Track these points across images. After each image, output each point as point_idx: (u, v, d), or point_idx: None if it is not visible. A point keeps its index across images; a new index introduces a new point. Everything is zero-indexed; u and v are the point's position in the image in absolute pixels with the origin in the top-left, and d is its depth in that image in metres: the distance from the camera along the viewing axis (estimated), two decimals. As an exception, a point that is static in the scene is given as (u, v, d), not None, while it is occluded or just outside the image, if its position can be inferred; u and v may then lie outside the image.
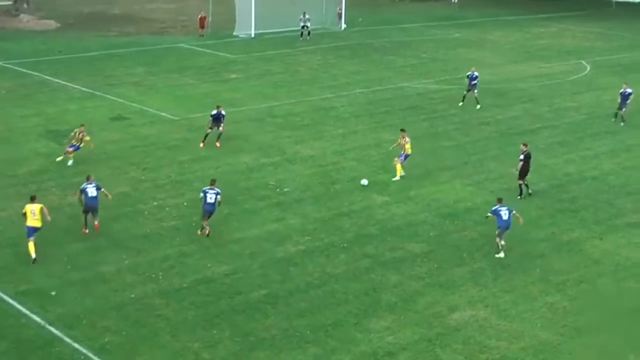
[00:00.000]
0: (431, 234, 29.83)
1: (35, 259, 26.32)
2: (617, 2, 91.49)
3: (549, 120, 44.45)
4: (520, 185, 33.31)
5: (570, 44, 68.48)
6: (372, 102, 47.11)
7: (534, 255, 28.33)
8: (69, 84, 48.82)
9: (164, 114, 43.21)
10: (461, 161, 37.51)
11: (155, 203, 31.63)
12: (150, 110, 43.81)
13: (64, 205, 30.80)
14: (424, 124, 43.06)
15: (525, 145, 33.68)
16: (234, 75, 52.79)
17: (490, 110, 45.77)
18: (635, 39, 71.40)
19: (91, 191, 28.39)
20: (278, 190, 33.40)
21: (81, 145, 35.00)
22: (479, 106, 45.80)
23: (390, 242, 29.02)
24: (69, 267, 26.32)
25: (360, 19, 74.32)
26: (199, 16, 66.41)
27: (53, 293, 24.70)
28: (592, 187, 34.95)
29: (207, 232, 28.76)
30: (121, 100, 45.45)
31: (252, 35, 65.34)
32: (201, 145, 37.97)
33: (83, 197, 28.49)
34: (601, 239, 29.85)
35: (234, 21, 67.04)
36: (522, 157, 33.25)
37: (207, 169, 35.13)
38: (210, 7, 68.97)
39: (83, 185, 28.63)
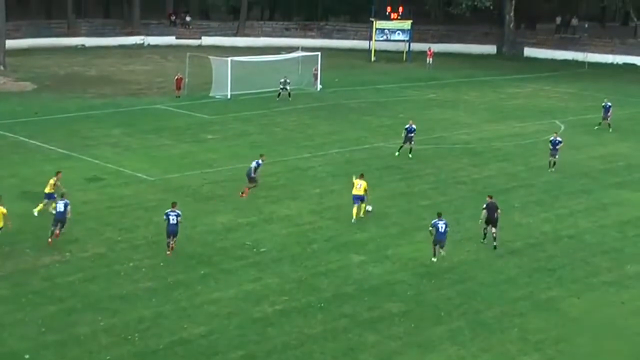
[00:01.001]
0: (409, 293, 29.75)
1: None
2: (589, 63, 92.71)
3: (525, 179, 44.71)
4: (484, 229, 34.41)
5: (544, 104, 69.22)
6: (349, 161, 47.25)
7: (512, 314, 28.28)
8: (45, 145, 48.69)
9: (140, 174, 43.12)
10: (438, 220, 37.54)
11: (131, 264, 31.39)
12: (126, 171, 43.73)
13: (38, 267, 30.52)
14: (401, 183, 43.21)
15: (490, 197, 34.89)
16: (210, 136, 52.88)
17: (466, 170, 46.02)
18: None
19: (59, 206, 32.77)
20: (255, 250, 33.28)
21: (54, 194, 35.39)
22: (410, 155, 47.63)
23: (368, 301, 28.90)
24: (43, 329, 25.97)
25: (336, 80, 74.92)
26: (176, 77, 66.67)
27: (27, 356, 24.32)
28: (569, 246, 35.05)
29: (170, 248, 32.11)
30: (97, 161, 45.35)
31: (229, 97, 65.61)
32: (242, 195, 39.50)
33: (55, 209, 33.22)
34: (578, 297, 29.87)
35: (211, 82, 67.41)
36: (484, 205, 34.40)
37: (183, 229, 34.82)
38: (187, 68, 69.39)
39: (57, 201, 33.47)
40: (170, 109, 61.44)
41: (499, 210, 34.30)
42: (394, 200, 40.11)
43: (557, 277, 31.67)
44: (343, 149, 50.11)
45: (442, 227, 32.17)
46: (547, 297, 29.87)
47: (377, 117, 60.67)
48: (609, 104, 58.82)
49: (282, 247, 33.72)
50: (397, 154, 48.01)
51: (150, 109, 61.31)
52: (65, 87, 69.11)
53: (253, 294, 29.11)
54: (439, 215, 32.70)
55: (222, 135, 53.11)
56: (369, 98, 68.41)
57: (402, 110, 63.48)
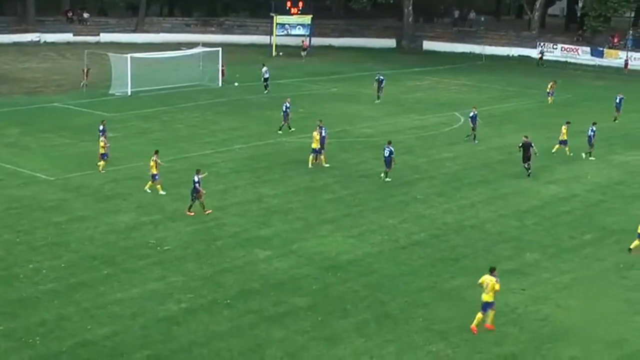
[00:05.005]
0: (314, 287, 29.82)
1: None
2: (486, 56, 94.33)
3: (427, 172, 45.25)
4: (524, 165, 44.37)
5: (443, 96, 70.15)
6: (252, 157, 47.15)
7: (417, 305, 28.58)
8: (-62, 146, 47.34)
9: (39, 174, 42.23)
10: (342, 213, 37.76)
11: (31, 266, 30.72)
12: (24, 171, 42.75)
13: None
14: (305, 177, 43.27)
15: (525, 137, 44.49)
16: (111, 134, 51.91)
17: (370, 163, 46.30)
18: (506, 91, 73.78)
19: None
20: (159, 248, 32.92)
21: None
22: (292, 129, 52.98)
23: (274, 296, 28.87)
24: (-61, 336, 25.29)
25: (237, 75, 74.62)
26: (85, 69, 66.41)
27: None
28: (471, 236, 35.63)
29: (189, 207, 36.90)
30: (-6, 162, 44.29)
31: (129, 94, 64.78)
32: None
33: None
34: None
35: (110, 80, 66.41)
36: (520, 144, 44.32)
37: (84, 229, 34.44)
38: (85, 66, 68.21)
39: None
40: (69, 107, 60.31)
41: (533, 148, 43.72)
42: (297, 195, 40.15)
43: (460, 266, 32.15)
44: (246, 145, 49.96)
45: (386, 153, 41.49)
46: (451, 286, 30.30)
47: (279, 111, 60.49)
48: (382, 77, 67.11)
49: (186, 244, 33.44)
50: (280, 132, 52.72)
51: (49, 108, 60.08)
52: (-41, 87, 67.25)
53: (158, 293, 28.80)
54: (389, 143, 42.34)
55: (123, 133, 52.32)
56: (272, 93, 68.30)
57: (304, 105, 63.52)
